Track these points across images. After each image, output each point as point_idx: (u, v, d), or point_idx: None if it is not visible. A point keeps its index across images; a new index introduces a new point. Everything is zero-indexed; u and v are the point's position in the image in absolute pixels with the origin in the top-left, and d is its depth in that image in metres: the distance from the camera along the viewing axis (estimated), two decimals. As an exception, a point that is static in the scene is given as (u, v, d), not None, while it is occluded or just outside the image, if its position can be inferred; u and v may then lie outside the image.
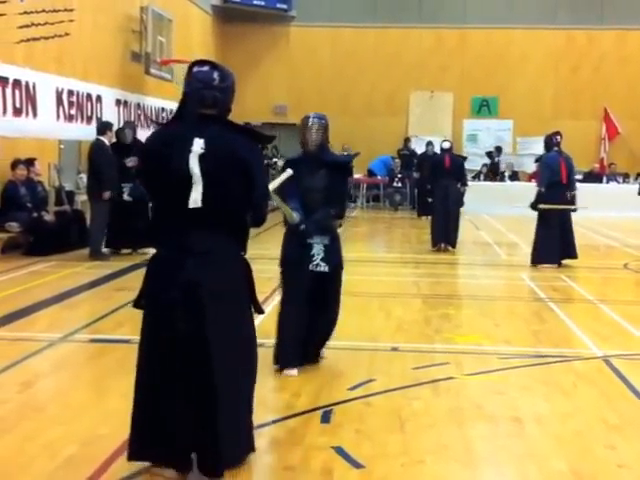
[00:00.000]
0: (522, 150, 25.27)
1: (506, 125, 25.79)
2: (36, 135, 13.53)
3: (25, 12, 12.75)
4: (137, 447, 4.01)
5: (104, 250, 12.20)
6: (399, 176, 23.87)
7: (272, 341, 6.00)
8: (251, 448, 4.18)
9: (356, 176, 23.16)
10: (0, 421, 4.90)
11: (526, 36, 25.22)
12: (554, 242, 11.68)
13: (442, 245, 13.57)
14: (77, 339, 7.10)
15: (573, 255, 11.91)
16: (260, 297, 4.40)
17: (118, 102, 16.99)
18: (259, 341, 4.33)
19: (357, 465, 4.26)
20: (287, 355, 5.91)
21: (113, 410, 5.07)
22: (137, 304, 4.16)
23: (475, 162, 23.64)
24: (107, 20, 16.52)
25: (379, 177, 24.40)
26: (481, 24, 25.11)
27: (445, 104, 25.66)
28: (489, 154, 24.77)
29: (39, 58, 13.54)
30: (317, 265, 5.90)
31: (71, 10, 13.91)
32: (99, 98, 15.90)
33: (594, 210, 20.97)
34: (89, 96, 15.48)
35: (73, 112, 14.79)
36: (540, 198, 11.88)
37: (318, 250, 5.92)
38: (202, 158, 3.89)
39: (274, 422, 4.88)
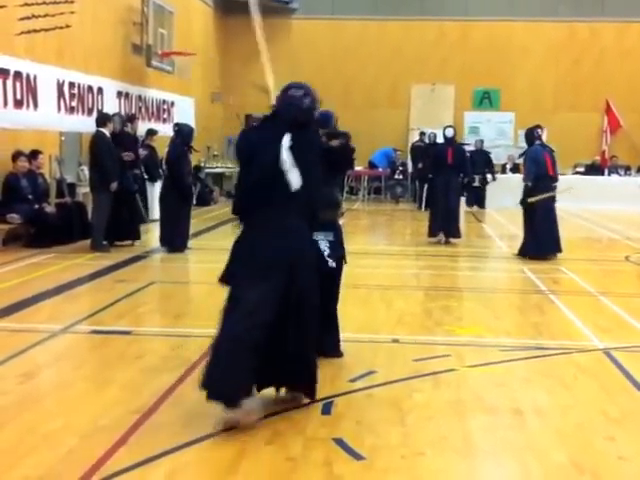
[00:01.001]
0: (523, 142, 25.13)
1: (507, 117, 25.77)
2: (37, 127, 13.51)
3: (26, 4, 12.74)
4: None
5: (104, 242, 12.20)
6: (400, 169, 23.86)
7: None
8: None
9: (357, 168, 23.18)
10: (0, 412, 4.90)
11: (527, 29, 25.20)
12: (543, 235, 11.67)
13: (442, 238, 13.55)
14: (78, 330, 7.10)
15: (559, 250, 11.91)
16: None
17: (119, 94, 16.96)
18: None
19: (358, 457, 4.26)
20: None
21: (113, 402, 5.08)
22: (224, 280, 4.89)
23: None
24: (108, 12, 16.48)
25: (380, 169, 24.38)
26: (483, 17, 25.10)
27: (447, 97, 25.63)
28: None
29: (40, 50, 13.52)
30: (325, 262, 5.91)
31: (72, 2, 13.90)
32: (100, 90, 15.87)
33: (596, 202, 21.18)
34: (90, 88, 15.45)
35: (74, 104, 14.77)
36: (528, 192, 11.89)
37: (324, 246, 5.93)
38: (291, 150, 4.75)
39: (275, 413, 4.88)
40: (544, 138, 12.82)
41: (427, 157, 17.65)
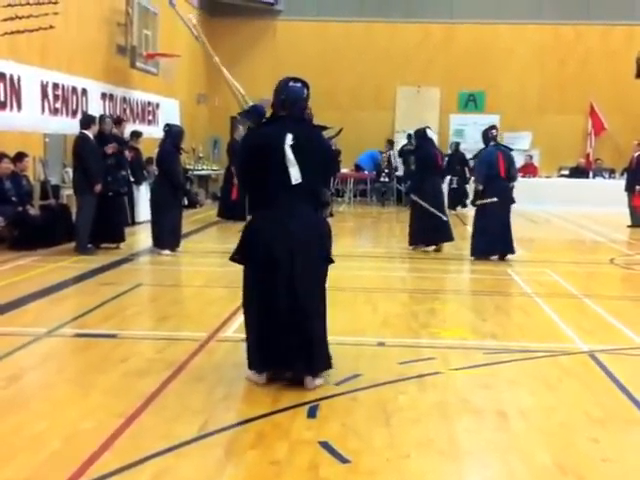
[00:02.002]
0: (509, 145, 25.23)
1: (493, 120, 25.77)
2: (21, 129, 13.45)
3: (9, 5, 12.68)
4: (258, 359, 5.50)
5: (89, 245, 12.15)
6: (386, 171, 23.87)
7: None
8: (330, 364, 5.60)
9: (343, 171, 23.18)
10: (-16, 416, 4.87)
11: (512, 31, 25.28)
12: (491, 234, 11.73)
13: (423, 247, 12.95)
14: (62, 334, 7.07)
15: (511, 251, 11.95)
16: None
17: (104, 96, 16.91)
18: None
19: (343, 460, 4.26)
20: None
21: (98, 405, 5.06)
22: (235, 259, 5.56)
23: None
24: (92, 13, 16.42)
25: (366, 172, 24.40)
26: (468, 19, 25.17)
27: (432, 99, 25.69)
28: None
29: (23, 51, 13.46)
30: None
31: (56, 3, 13.82)
32: (84, 91, 15.82)
33: (580, 205, 21.27)
34: (74, 89, 15.40)
35: (58, 105, 14.71)
36: (479, 194, 11.93)
37: None
38: (293, 148, 5.31)
39: (260, 417, 4.87)
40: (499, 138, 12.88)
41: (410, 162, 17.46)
